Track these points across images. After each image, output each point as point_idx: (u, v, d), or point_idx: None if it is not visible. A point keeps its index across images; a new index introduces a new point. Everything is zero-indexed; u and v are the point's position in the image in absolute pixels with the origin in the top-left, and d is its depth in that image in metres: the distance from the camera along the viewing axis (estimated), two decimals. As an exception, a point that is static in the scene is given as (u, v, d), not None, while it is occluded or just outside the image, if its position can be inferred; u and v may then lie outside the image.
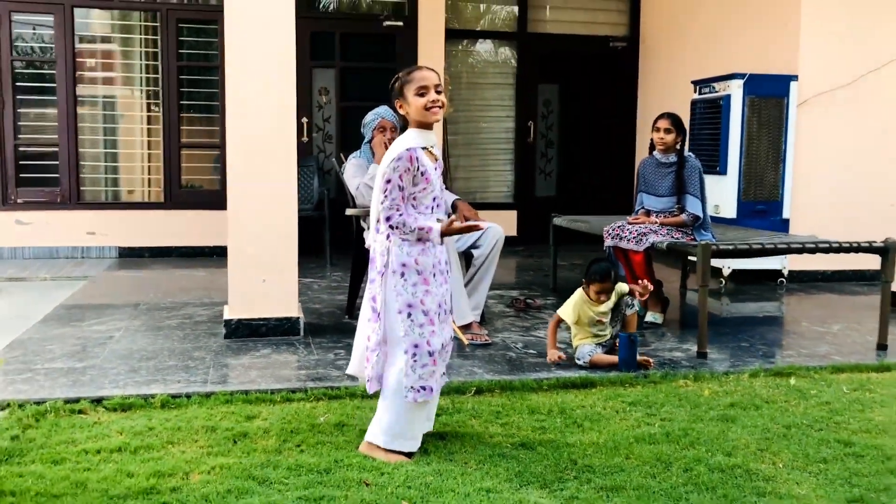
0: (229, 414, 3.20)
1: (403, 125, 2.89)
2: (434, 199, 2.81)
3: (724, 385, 3.70)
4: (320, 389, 3.46)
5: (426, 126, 2.79)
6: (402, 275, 2.74)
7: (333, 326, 4.75)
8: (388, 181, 2.71)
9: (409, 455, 2.80)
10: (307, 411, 3.25)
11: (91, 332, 4.55)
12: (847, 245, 4.28)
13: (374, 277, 2.79)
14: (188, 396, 3.37)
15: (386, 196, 2.71)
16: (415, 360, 2.74)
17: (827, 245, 4.30)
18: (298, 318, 4.44)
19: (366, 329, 2.82)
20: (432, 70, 2.79)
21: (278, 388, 3.49)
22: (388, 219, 2.71)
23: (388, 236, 2.75)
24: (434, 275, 2.79)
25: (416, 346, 2.74)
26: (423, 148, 2.77)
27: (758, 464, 2.76)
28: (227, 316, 4.40)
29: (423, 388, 2.77)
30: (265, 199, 4.34)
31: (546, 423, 3.16)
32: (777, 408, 3.38)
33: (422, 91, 2.73)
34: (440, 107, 2.74)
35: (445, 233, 2.79)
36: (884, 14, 6.49)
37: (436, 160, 2.84)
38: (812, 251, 4.31)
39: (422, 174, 2.74)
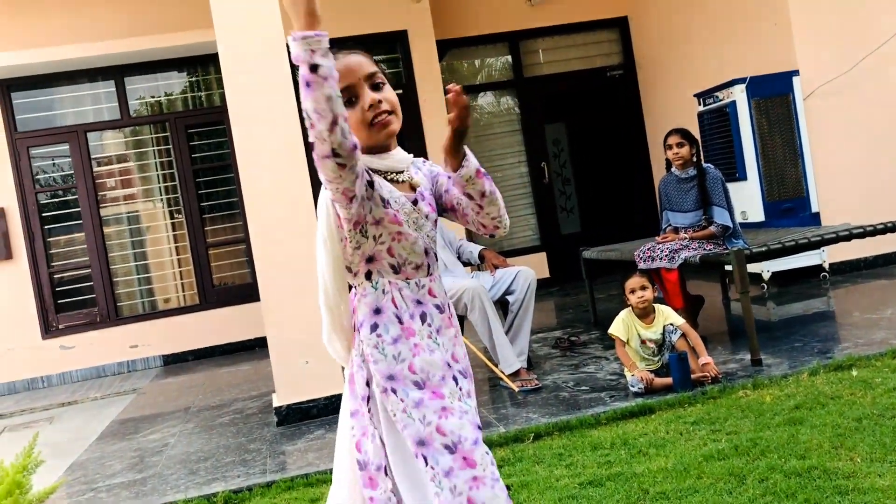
0: (292, 501, 3.18)
1: None
2: (425, 250, 1.78)
3: (784, 389, 3.61)
4: (379, 461, 3.43)
5: (379, 149, 1.75)
6: (395, 393, 1.69)
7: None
8: None
9: None
10: (369, 485, 3.21)
11: (146, 442, 4.58)
12: (882, 227, 4.21)
13: (355, 408, 1.75)
14: (249, 489, 3.36)
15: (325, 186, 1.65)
16: None
17: (861, 230, 4.23)
18: (346, 393, 4.43)
19: (348, 498, 1.76)
20: (359, 53, 1.74)
21: (337, 466, 3.46)
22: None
23: (358, 329, 1.75)
24: (455, 379, 1.75)
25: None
26: (389, 179, 1.77)
27: (834, 462, 2.67)
28: (276, 403, 4.41)
29: None
30: (295, 283, 4.39)
31: (611, 456, 3.10)
32: (844, 402, 3.28)
33: (349, 97, 1.68)
34: (389, 112, 1.70)
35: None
36: (871, -5, 6.51)
37: (415, 191, 1.79)
38: (847, 238, 4.24)
39: (380, 200, 1.71)
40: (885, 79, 6.49)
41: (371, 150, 1.74)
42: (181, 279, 8.07)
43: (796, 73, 6.43)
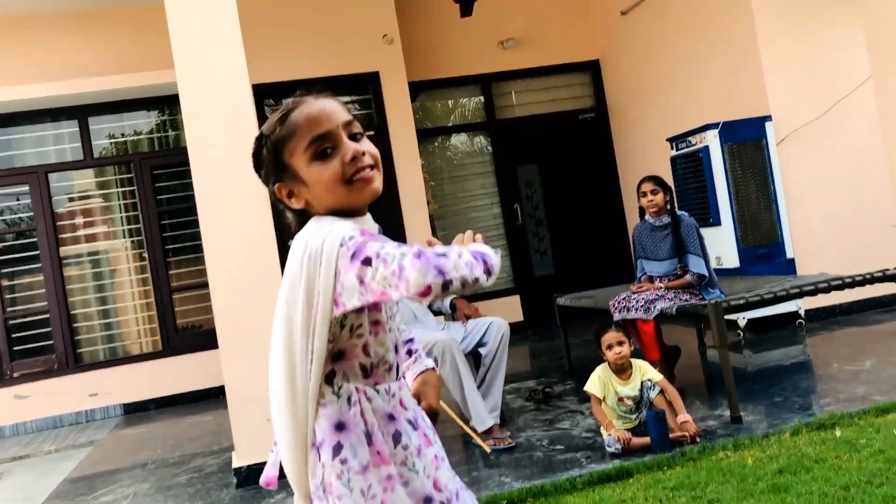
0: (248, 577, 2.97)
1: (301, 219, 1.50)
2: (395, 345, 1.48)
3: (766, 450, 3.47)
4: (342, 531, 3.22)
5: (352, 211, 1.45)
6: None
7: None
8: (354, 255, 1.28)
9: None
10: (331, 559, 3.00)
11: (98, 505, 4.32)
12: (861, 278, 4.12)
13: None
14: (203, 564, 3.14)
15: (372, 263, 1.25)
16: None
17: (840, 282, 4.14)
18: (310, 452, 4.21)
19: None
20: (331, 97, 1.48)
21: (298, 537, 3.24)
22: (410, 259, 1.20)
23: (317, 448, 1.40)
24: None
25: None
26: None
27: (824, 538, 2.52)
28: (235, 464, 4.19)
29: None
30: (256, 333, 4.19)
31: (587, 527, 2.93)
32: (829, 466, 3.15)
33: (323, 146, 1.42)
34: (372, 166, 1.43)
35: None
36: (838, 42, 6.51)
37: None
38: (826, 290, 4.15)
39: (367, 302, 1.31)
40: (857, 124, 6.49)
41: (344, 213, 1.43)
42: (144, 324, 7.81)
43: (769, 118, 6.42)
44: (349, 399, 1.39)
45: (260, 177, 1.51)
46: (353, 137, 1.43)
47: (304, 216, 1.47)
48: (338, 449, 1.36)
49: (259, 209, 4.27)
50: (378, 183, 1.43)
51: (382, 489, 1.35)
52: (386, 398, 1.42)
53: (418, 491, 1.38)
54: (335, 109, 1.43)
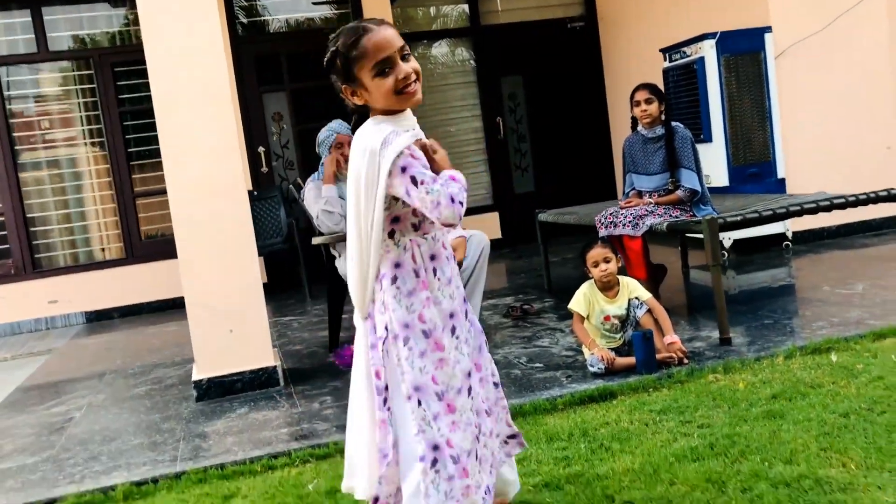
0: (203, 496, 2.75)
1: (360, 115, 1.97)
2: None
3: (758, 374, 3.28)
4: (306, 450, 3.01)
5: (398, 112, 1.91)
6: (406, 341, 1.87)
7: (317, 369, 4.29)
8: (405, 168, 1.79)
9: None
10: (293, 479, 2.79)
11: (48, 416, 4.08)
12: (864, 197, 3.89)
13: (374, 343, 1.91)
14: (155, 481, 2.91)
15: (418, 185, 1.77)
16: (436, 472, 1.83)
17: (843, 200, 3.90)
18: (276, 366, 3.98)
19: (367, 427, 1.93)
20: (388, 25, 1.88)
21: (258, 454, 3.03)
22: (445, 200, 1.76)
23: (380, 281, 1.91)
24: (453, 330, 1.93)
25: (434, 447, 1.84)
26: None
27: (826, 469, 2.33)
28: (195, 376, 3.95)
29: None
30: (218, 242, 3.90)
31: (568, 451, 2.73)
32: (826, 393, 2.96)
33: (384, 67, 1.83)
34: (417, 80, 1.87)
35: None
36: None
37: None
38: (827, 209, 3.91)
39: None
40: (860, 41, 6.16)
41: (389, 111, 1.90)
42: (106, 230, 7.46)
43: (769, 29, 6.07)
44: (405, 247, 1.92)
45: (330, 76, 1.95)
46: (404, 58, 1.86)
47: (362, 108, 1.94)
48: (394, 279, 1.90)
49: (221, 111, 3.91)
50: (419, 95, 1.89)
51: (422, 306, 1.90)
52: (432, 243, 1.95)
53: (446, 310, 1.94)
54: (394, 37, 1.85)
